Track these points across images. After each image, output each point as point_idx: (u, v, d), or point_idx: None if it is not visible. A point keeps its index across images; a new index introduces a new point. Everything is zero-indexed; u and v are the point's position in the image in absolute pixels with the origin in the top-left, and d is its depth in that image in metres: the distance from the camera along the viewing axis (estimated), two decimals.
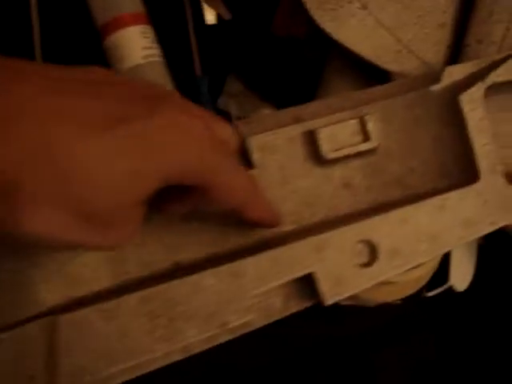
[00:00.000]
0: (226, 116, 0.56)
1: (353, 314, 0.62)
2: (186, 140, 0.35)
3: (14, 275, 0.42)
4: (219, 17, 0.59)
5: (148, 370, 0.43)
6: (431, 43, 0.53)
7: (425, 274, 0.58)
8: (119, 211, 0.34)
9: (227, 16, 0.59)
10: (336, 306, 0.55)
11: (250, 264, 0.43)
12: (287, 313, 0.46)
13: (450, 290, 0.64)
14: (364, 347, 0.65)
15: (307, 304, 0.46)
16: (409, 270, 0.51)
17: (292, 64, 0.58)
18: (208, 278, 0.43)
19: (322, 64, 0.57)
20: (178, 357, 0.43)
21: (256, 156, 0.46)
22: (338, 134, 0.47)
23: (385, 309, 0.60)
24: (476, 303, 0.67)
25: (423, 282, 0.59)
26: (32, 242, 0.33)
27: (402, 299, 0.59)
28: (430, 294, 0.64)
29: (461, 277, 0.63)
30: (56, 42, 0.55)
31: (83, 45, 0.57)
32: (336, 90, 0.56)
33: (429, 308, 0.66)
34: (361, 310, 0.60)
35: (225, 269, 0.43)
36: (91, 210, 0.32)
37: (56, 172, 0.30)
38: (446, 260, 0.63)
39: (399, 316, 0.66)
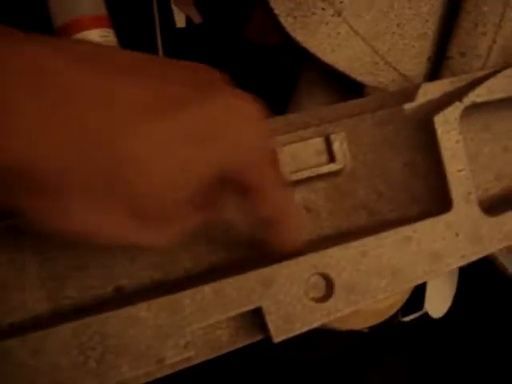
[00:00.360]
0: None
1: (326, 336, 0.59)
2: (248, 124, 0.32)
3: None
4: (189, 20, 0.56)
5: None
6: (410, 55, 0.49)
7: (392, 304, 0.54)
8: (174, 207, 0.31)
9: (197, 20, 0.55)
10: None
11: (188, 297, 0.40)
12: (235, 346, 0.43)
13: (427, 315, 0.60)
14: (339, 370, 0.62)
15: (257, 338, 0.43)
16: None
17: (265, 72, 0.55)
18: (143, 311, 0.39)
19: (297, 74, 0.54)
20: None
21: None
22: (300, 153, 0.44)
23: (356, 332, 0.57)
24: (454, 329, 0.63)
25: (390, 312, 0.55)
26: (77, 238, 0.31)
27: (370, 327, 0.55)
28: (406, 318, 0.60)
29: (437, 303, 0.59)
30: None
31: None
32: (309, 103, 0.53)
33: (404, 332, 0.62)
34: (334, 333, 0.57)
35: (162, 301, 0.40)
36: (146, 205, 0.30)
37: (109, 161, 0.28)
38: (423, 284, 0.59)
39: (373, 338, 0.62)
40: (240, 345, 0.43)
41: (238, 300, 0.40)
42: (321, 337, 0.59)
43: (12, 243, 0.41)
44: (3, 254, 0.40)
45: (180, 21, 0.55)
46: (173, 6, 0.55)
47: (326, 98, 0.51)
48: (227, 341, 0.43)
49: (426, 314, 0.60)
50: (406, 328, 0.61)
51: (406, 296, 0.55)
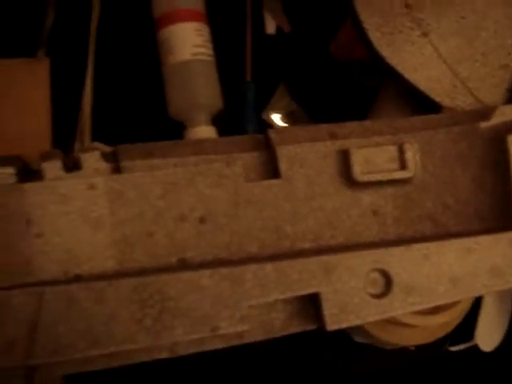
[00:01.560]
0: (267, 128, 0.54)
1: (372, 352, 0.58)
2: None
3: (14, 239, 0.41)
4: (279, 29, 0.59)
5: (128, 362, 0.41)
6: (490, 83, 0.50)
7: (443, 325, 0.54)
8: None
9: (287, 29, 0.58)
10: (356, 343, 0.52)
11: (251, 271, 0.41)
12: (287, 332, 0.44)
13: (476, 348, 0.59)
14: None
15: (310, 327, 0.44)
16: (427, 315, 0.48)
17: (345, 87, 0.57)
18: (206, 279, 0.41)
19: (376, 91, 0.56)
20: (162, 355, 0.42)
21: (283, 166, 0.45)
22: (373, 157, 0.45)
23: (402, 353, 0.57)
24: (503, 364, 0.61)
25: (440, 333, 0.55)
26: None
27: (417, 346, 0.55)
28: (454, 348, 0.60)
29: (488, 336, 0.58)
30: (112, 31, 0.55)
31: (139, 34, 0.57)
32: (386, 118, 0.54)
33: (451, 362, 0.61)
34: (380, 350, 0.57)
35: (225, 271, 0.41)
36: None
37: None
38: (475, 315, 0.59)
39: (417, 363, 0.62)
40: (292, 331, 0.44)
41: (298, 282, 0.41)
42: (365, 353, 0.59)
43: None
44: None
45: (270, 27, 0.58)
46: (265, 13, 0.58)
47: (402, 115, 0.53)
48: (280, 325, 0.43)
49: (475, 346, 0.59)
50: (452, 358, 0.61)
51: (457, 321, 0.55)
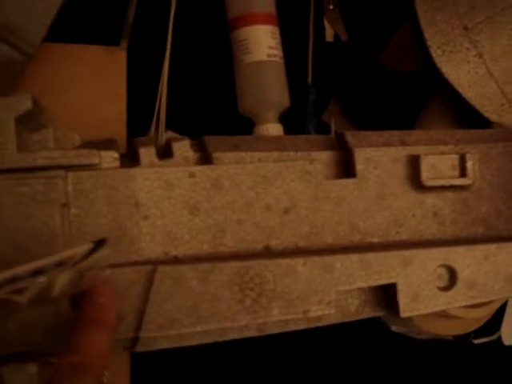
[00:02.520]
0: (326, 129, 0.59)
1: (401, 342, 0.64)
2: None
3: (124, 220, 0.44)
4: (337, 36, 0.63)
5: (221, 339, 0.45)
6: None
7: (485, 316, 0.60)
8: None
9: (344, 37, 0.63)
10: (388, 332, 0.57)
11: (340, 261, 0.46)
12: (359, 317, 0.48)
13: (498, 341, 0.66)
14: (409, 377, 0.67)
15: (379, 313, 0.49)
16: (470, 308, 0.53)
17: (391, 95, 0.62)
18: (300, 265, 0.45)
19: (419, 102, 0.61)
20: (251, 333, 0.46)
21: (360, 167, 0.49)
22: (438, 164, 0.50)
23: (430, 343, 0.62)
24: None
25: (478, 325, 0.61)
26: None
27: (454, 336, 0.61)
28: (477, 341, 0.66)
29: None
30: (187, 30, 0.58)
31: (211, 33, 0.60)
32: (432, 129, 0.59)
33: (472, 354, 0.67)
34: (408, 340, 0.62)
35: (317, 260, 0.45)
36: None
37: None
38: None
39: (442, 354, 0.67)
40: (363, 317, 0.49)
41: (379, 273, 0.46)
42: (401, 342, 0.64)
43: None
44: None
45: (330, 35, 0.63)
46: (325, 21, 0.62)
47: (447, 126, 0.58)
48: (355, 310, 0.48)
49: (496, 340, 0.65)
50: (474, 350, 0.66)
51: (489, 317, 0.61)
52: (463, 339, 0.63)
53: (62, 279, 0.38)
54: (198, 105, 0.59)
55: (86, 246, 0.37)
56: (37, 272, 0.35)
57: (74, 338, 0.38)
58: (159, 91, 0.54)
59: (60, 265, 0.36)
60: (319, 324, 0.47)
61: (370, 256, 0.46)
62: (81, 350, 0.38)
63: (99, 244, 0.38)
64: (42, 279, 0.36)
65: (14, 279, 0.34)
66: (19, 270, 0.34)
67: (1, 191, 0.41)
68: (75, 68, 0.54)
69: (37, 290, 0.36)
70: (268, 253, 0.47)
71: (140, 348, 0.44)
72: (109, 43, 0.55)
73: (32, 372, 0.49)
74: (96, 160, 0.44)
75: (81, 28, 0.55)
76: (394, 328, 0.60)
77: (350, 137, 0.50)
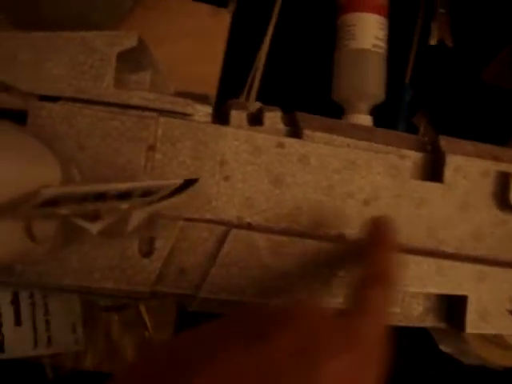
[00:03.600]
0: (414, 132, 0.57)
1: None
2: None
3: (205, 176, 0.43)
4: (442, 41, 0.62)
5: None
6: None
7: None
8: None
9: (449, 43, 0.61)
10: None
11: (415, 262, 0.44)
12: (421, 324, 0.47)
13: None
14: None
15: (441, 325, 0.47)
16: None
17: (487, 113, 0.60)
18: None
19: None
20: None
21: (448, 173, 0.48)
22: None
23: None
24: None
25: None
26: None
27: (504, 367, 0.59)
28: None
29: None
30: (295, 5, 0.57)
31: (320, 14, 0.59)
32: None
33: None
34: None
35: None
36: None
37: None
38: None
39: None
40: (424, 325, 0.47)
41: (452, 282, 0.45)
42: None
43: None
44: None
45: (435, 38, 0.61)
46: (432, 24, 0.61)
47: None
48: (417, 316, 0.47)
49: None
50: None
51: None
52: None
53: (139, 215, 0.37)
54: (291, 82, 0.58)
55: (177, 181, 0.36)
56: (121, 196, 0.34)
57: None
58: (256, 60, 0.53)
59: (144, 195, 0.35)
60: None
61: (446, 263, 0.45)
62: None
63: (188, 184, 0.36)
64: (125, 205, 0.35)
65: (99, 196, 0.33)
66: (107, 187, 0.33)
67: (93, 122, 0.41)
68: (181, 22, 0.54)
69: (111, 220, 0.35)
70: (339, 241, 0.46)
71: (196, 307, 0.42)
72: (216, 3, 0.54)
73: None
74: (190, 110, 0.43)
75: None
76: (442, 346, 0.58)
77: (444, 141, 0.48)
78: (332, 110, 0.56)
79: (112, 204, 0.34)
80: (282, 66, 0.57)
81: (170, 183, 0.36)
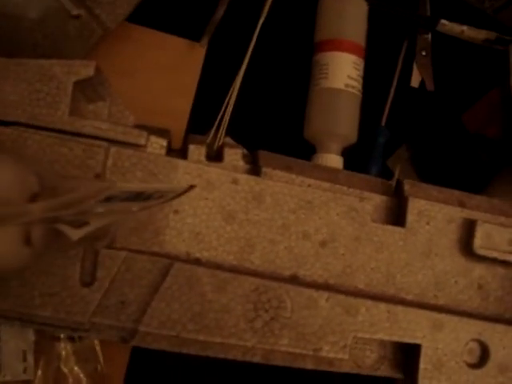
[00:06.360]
0: (388, 175, 0.56)
1: None
2: None
3: (153, 212, 0.43)
4: (422, 84, 0.61)
5: (221, 355, 0.42)
6: None
7: None
8: None
9: (430, 87, 0.60)
10: None
11: (365, 306, 0.43)
12: (374, 373, 0.45)
13: None
14: None
15: (396, 375, 0.45)
16: None
17: (466, 158, 0.59)
18: (323, 300, 0.42)
19: (494, 171, 0.58)
20: (255, 359, 0.43)
21: (411, 218, 0.46)
22: (495, 234, 0.46)
23: None
24: None
25: None
26: None
27: None
28: None
29: None
30: (272, 39, 0.57)
31: (295, 53, 0.59)
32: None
33: None
34: None
35: (342, 299, 0.43)
36: None
37: None
38: None
39: None
40: (378, 374, 0.45)
41: (405, 330, 0.43)
42: None
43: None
44: None
45: (416, 81, 0.61)
46: (414, 66, 0.60)
47: None
48: (370, 364, 0.45)
49: None
50: None
51: None
52: None
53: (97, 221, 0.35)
54: (263, 118, 0.57)
55: (184, 186, 0.35)
56: (132, 197, 0.33)
57: None
58: (229, 95, 0.52)
59: (147, 198, 0.34)
60: (329, 368, 0.44)
61: (399, 309, 0.43)
62: None
63: (189, 189, 0.36)
64: (135, 208, 0.34)
65: (110, 198, 0.32)
66: (122, 187, 0.32)
67: (41, 147, 0.41)
68: (152, 54, 0.54)
69: (96, 227, 0.34)
70: (294, 282, 0.45)
71: (137, 342, 0.41)
72: (189, 37, 0.54)
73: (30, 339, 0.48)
74: (142, 141, 0.43)
75: (165, 15, 0.55)
76: None
77: (408, 185, 0.47)
78: (304, 148, 0.55)
79: (124, 205, 0.33)
80: (255, 101, 0.56)
81: (178, 187, 0.36)
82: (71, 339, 0.49)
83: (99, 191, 0.30)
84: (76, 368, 0.49)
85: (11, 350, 0.48)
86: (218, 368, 0.52)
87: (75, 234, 0.33)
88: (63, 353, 0.49)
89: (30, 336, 0.48)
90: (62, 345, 0.49)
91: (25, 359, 0.48)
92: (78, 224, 0.33)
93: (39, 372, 0.48)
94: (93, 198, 0.30)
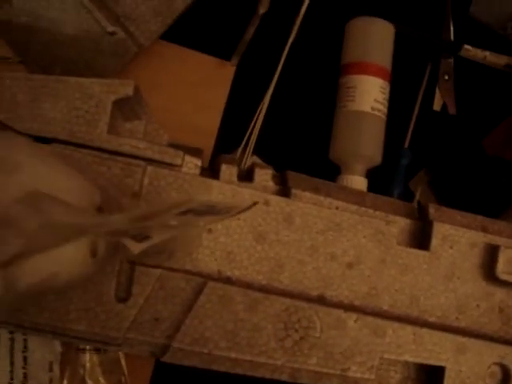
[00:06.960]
0: (410, 197, 0.57)
1: None
2: None
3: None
4: (444, 108, 0.62)
5: (250, 373, 0.43)
6: None
7: None
8: None
9: (452, 111, 0.61)
10: None
11: (392, 328, 0.44)
12: None
13: None
14: None
15: None
16: None
17: (485, 182, 0.60)
18: (352, 321, 0.43)
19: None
20: (282, 377, 0.44)
21: (435, 242, 0.47)
22: None
23: None
24: None
25: None
26: None
27: None
28: None
29: None
30: (299, 63, 0.58)
31: (323, 75, 0.60)
32: None
33: None
34: None
35: (371, 320, 0.44)
36: None
37: None
38: None
39: None
40: None
41: (431, 352, 0.44)
42: None
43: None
44: None
45: (438, 105, 0.62)
46: (436, 89, 0.62)
47: None
48: None
49: None
50: None
51: None
52: None
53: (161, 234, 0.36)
54: (290, 138, 0.58)
55: (249, 203, 0.36)
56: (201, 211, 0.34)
57: None
58: (256, 115, 0.53)
59: (215, 213, 0.34)
60: None
61: (424, 332, 0.44)
62: None
63: (253, 205, 0.36)
64: (202, 222, 0.34)
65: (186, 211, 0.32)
66: (203, 200, 0.33)
67: (82, 165, 0.42)
68: (183, 72, 0.55)
69: (159, 240, 0.34)
70: (321, 302, 0.45)
71: (168, 358, 0.42)
72: (220, 56, 0.55)
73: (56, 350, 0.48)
74: (179, 161, 0.44)
75: (196, 34, 0.56)
76: None
77: (433, 209, 0.48)
78: (329, 169, 0.56)
79: (192, 219, 0.34)
80: (283, 121, 0.58)
81: (243, 203, 0.38)
82: (97, 351, 0.50)
83: (182, 203, 0.31)
84: (101, 379, 0.50)
85: (38, 360, 0.49)
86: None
87: (137, 248, 0.33)
88: (88, 364, 0.50)
89: (57, 347, 0.49)
90: (88, 356, 0.50)
91: (51, 370, 0.49)
92: (140, 238, 0.33)
93: (65, 382, 0.49)
94: (176, 209, 0.31)
